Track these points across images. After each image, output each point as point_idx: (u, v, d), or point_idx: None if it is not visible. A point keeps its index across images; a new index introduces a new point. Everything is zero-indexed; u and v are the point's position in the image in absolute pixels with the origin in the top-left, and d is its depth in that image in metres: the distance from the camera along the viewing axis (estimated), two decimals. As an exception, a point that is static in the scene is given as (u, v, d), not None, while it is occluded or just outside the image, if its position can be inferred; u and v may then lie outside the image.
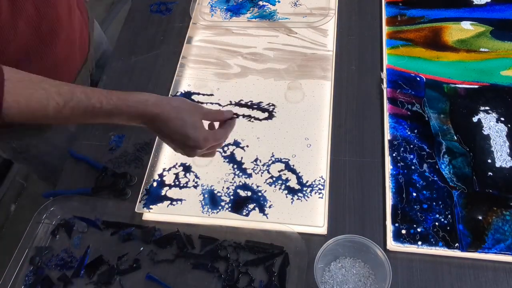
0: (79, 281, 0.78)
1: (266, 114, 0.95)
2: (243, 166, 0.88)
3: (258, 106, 0.96)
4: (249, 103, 0.97)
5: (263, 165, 0.88)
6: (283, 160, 0.88)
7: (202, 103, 0.98)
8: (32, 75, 0.65)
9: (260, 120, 0.94)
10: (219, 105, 0.98)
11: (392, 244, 0.76)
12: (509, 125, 0.87)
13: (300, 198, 0.83)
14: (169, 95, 1.00)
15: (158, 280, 0.76)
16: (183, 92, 1.01)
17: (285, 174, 0.86)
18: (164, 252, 0.79)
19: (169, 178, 0.88)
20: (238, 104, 0.97)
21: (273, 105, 0.96)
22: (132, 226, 0.83)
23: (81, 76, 1.02)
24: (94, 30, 1.10)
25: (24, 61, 0.83)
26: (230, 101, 0.98)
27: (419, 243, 0.75)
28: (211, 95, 0.99)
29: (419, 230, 0.77)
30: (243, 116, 0.95)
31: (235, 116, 0.79)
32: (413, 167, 0.83)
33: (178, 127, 0.71)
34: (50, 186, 1.14)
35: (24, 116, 0.64)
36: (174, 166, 0.90)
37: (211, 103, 0.98)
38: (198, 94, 1.00)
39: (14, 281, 0.78)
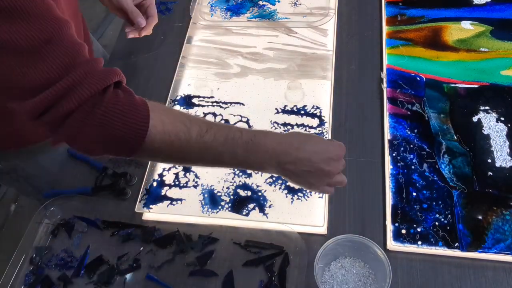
0: (79, 281, 0.78)
1: (317, 121, 0.92)
2: (243, 166, 0.88)
3: (305, 112, 0.94)
4: (295, 109, 0.95)
5: (263, 165, 0.88)
6: (283, 160, 0.88)
7: (202, 106, 0.98)
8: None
9: (315, 128, 0.92)
10: (220, 106, 0.98)
11: (392, 244, 0.76)
12: (509, 125, 0.87)
13: (300, 197, 0.83)
14: (169, 96, 1.00)
15: (158, 280, 0.76)
16: (183, 95, 1.01)
17: (285, 174, 0.86)
18: (164, 252, 0.79)
19: (169, 178, 0.88)
20: (285, 111, 0.95)
21: (317, 107, 0.95)
22: (132, 226, 0.83)
23: None
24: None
25: None
26: (277, 109, 0.95)
27: (419, 243, 0.75)
28: (212, 97, 0.99)
29: (419, 230, 0.77)
30: (297, 125, 0.92)
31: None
32: (413, 167, 0.83)
33: (313, 146, 0.66)
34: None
35: (168, 137, 0.58)
36: (174, 166, 0.90)
37: (211, 103, 0.98)
38: (199, 97, 1.00)
39: (14, 281, 0.78)
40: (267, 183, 0.85)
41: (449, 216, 0.77)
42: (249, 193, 0.84)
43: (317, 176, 0.67)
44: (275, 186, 0.85)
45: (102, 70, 0.56)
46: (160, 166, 0.90)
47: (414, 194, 0.80)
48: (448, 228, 0.76)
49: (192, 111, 0.97)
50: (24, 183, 1.02)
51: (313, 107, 0.95)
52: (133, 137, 0.56)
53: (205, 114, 0.96)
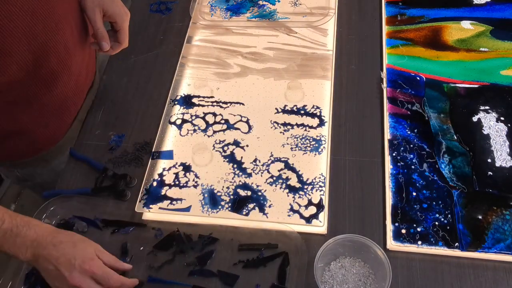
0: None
1: (317, 120, 0.93)
2: (243, 166, 0.88)
3: (305, 112, 0.94)
4: (295, 109, 0.95)
5: (263, 165, 0.88)
6: (282, 159, 0.88)
7: (203, 106, 0.98)
8: None
9: (315, 128, 0.92)
10: (220, 106, 0.98)
11: (392, 244, 0.76)
12: (509, 125, 0.87)
13: (301, 196, 0.83)
14: (169, 95, 1.00)
15: (161, 280, 0.76)
16: (183, 95, 1.01)
17: (285, 173, 0.86)
18: (164, 252, 0.79)
19: (169, 178, 0.88)
20: (285, 111, 0.95)
21: (317, 107, 0.95)
22: (132, 224, 0.82)
23: (87, 99, 1.01)
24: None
25: (22, 103, 0.82)
26: (277, 109, 0.95)
27: (419, 242, 0.75)
28: (212, 97, 0.99)
29: (419, 229, 0.77)
30: (297, 125, 0.92)
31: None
32: (413, 167, 0.83)
33: (68, 248, 0.70)
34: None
35: None
36: (174, 166, 0.90)
37: (211, 103, 0.98)
38: (199, 97, 1.00)
39: (14, 280, 0.78)
40: (267, 183, 0.85)
41: (449, 216, 0.77)
42: (249, 193, 0.84)
43: (60, 279, 0.69)
44: (275, 186, 0.85)
45: None
46: (160, 166, 0.90)
47: (414, 194, 0.80)
48: (448, 228, 0.76)
49: (192, 111, 0.97)
50: (40, 189, 1.03)
51: (313, 107, 0.95)
52: None
53: (205, 114, 0.96)
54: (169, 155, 0.91)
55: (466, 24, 1.03)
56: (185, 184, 0.87)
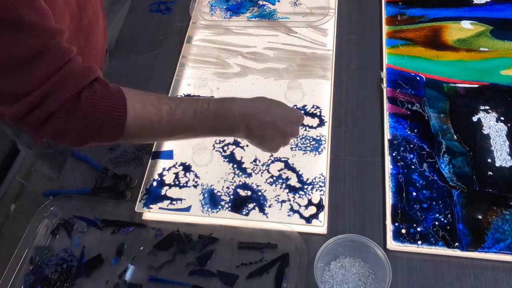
0: (79, 281, 0.78)
1: (317, 120, 0.93)
2: (243, 166, 0.88)
3: (305, 111, 0.94)
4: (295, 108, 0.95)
5: (263, 165, 0.88)
6: (282, 159, 0.88)
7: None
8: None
9: (315, 128, 0.92)
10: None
11: (392, 244, 0.76)
12: (509, 125, 0.87)
13: (301, 196, 0.83)
14: (169, 95, 1.00)
15: (161, 279, 0.76)
16: (183, 95, 1.01)
17: (285, 173, 0.86)
18: (164, 252, 0.79)
19: (169, 178, 0.88)
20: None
21: (317, 107, 0.95)
22: (132, 224, 0.82)
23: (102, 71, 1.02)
24: None
25: None
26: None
27: (419, 242, 0.75)
28: (212, 96, 0.99)
29: (419, 229, 0.77)
30: None
31: None
32: (413, 167, 0.83)
33: (277, 111, 0.72)
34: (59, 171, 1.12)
35: (140, 122, 0.63)
36: (174, 166, 0.90)
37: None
38: (199, 96, 1.00)
39: (14, 280, 0.78)
40: (267, 183, 0.85)
41: (449, 215, 0.77)
42: (249, 193, 0.84)
43: (280, 138, 0.74)
44: (275, 186, 0.85)
45: (80, 70, 0.60)
46: (160, 166, 0.90)
47: (414, 193, 0.80)
48: (448, 227, 0.76)
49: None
50: (59, 159, 1.05)
51: (313, 106, 0.95)
52: (113, 126, 0.61)
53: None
54: (169, 155, 0.91)
55: (466, 24, 1.03)
56: (185, 184, 0.87)
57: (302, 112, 0.78)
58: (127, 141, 0.66)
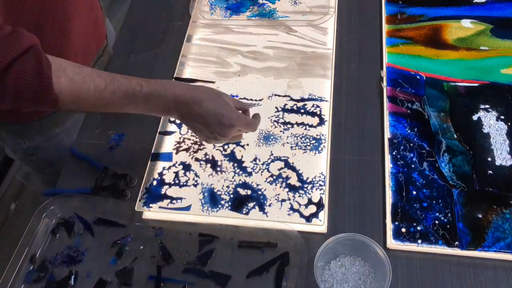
0: (83, 280, 0.78)
1: (317, 119, 0.93)
2: (243, 165, 0.88)
3: (305, 111, 0.94)
4: (295, 108, 0.95)
5: (263, 164, 0.88)
6: (282, 158, 0.88)
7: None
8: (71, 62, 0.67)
9: (315, 127, 0.92)
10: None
11: (392, 243, 0.76)
12: (509, 123, 0.87)
13: (301, 195, 0.83)
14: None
15: (161, 278, 0.76)
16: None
17: (285, 172, 0.86)
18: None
19: (169, 177, 0.88)
20: (285, 110, 0.95)
21: (317, 106, 0.95)
22: (128, 230, 0.82)
23: (97, 67, 1.02)
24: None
25: None
26: (276, 107, 0.95)
27: (419, 241, 0.75)
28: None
29: (419, 228, 0.77)
30: (297, 124, 0.92)
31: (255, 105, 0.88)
32: (413, 166, 0.83)
33: (212, 106, 0.74)
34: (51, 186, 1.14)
35: (70, 96, 0.65)
36: (174, 165, 0.90)
37: (211, 101, 0.98)
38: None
39: (14, 280, 0.78)
40: (267, 182, 0.85)
41: (449, 214, 0.77)
42: (249, 192, 0.84)
43: (209, 133, 0.77)
44: (275, 185, 0.85)
45: (6, 42, 0.61)
46: (160, 165, 0.90)
47: (414, 192, 0.80)
48: (448, 226, 0.76)
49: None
50: (44, 165, 1.07)
51: (313, 105, 0.95)
52: (41, 96, 0.64)
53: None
54: (168, 157, 0.91)
55: (466, 22, 1.03)
56: (185, 183, 0.87)
57: (248, 119, 0.80)
58: (66, 111, 0.70)
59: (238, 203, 0.83)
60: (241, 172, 0.87)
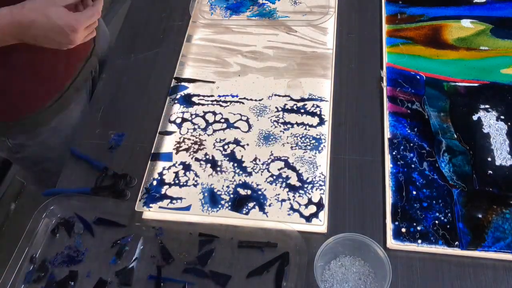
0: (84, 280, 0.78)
1: (317, 119, 0.92)
2: (243, 165, 0.88)
3: (305, 110, 0.94)
4: (295, 107, 0.95)
5: (263, 163, 0.88)
6: (282, 158, 0.88)
7: (202, 104, 0.98)
8: None
9: (315, 127, 0.92)
10: (220, 105, 0.98)
11: (392, 243, 0.76)
12: (509, 123, 0.87)
13: (301, 195, 0.83)
14: (168, 94, 1.00)
15: (162, 278, 0.76)
16: (183, 94, 1.01)
17: (285, 172, 0.86)
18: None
19: (169, 177, 0.88)
20: (285, 110, 0.95)
21: (317, 106, 0.95)
22: (128, 230, 0.82)
23: (84, 71, 1.02)
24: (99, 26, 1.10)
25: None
26: (276, 107, 0.95)
27: (419, 241, 0.75)
28: (211, 95, 0.99)
29: (419, 228, 0.77)
30: (297, 124, 0.92)
31: None
32: (413, 166, 0.83)
33: (44, 24, 0.70)
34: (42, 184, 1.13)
35: None
36: (174, 165, 0.90)
37: (211, 102, 0.98)
38: (198, 95, 1.00)
39: (14, 280, 0.78)
40: (267, 182, 0.85)
41: (449, 214, 0.77)
42: (249, 192, 0.84)
43: (60, 44, 0.74)
44: (275, 185, 0.85)
45: None
46: (160, 165, 0.90)
47: (414, 192, 0.80)
48: (448, 226, 0.76)
49: (192, 110, 0.97)
50: (30, 163, 1.07)
51: (313, 105, 0.95)
52: None
53: (205, 113, 0.96)
54: (168, 157, 0.91)
55: (466, 22, 1.03)
56: (185, 183, 0.87)
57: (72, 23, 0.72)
58: None
59: (238, 203, 0.83)
60: (241, 172, 0.87)
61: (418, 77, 0.95)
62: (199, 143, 0.92)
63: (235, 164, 0.88)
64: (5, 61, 0.85)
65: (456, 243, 0.75)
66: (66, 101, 1.00)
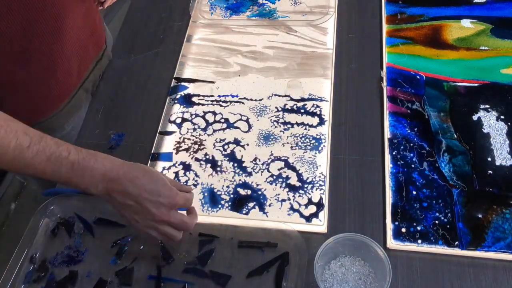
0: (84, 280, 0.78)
1: (317, 119, 0.93)
2: (243, 165, 0.88)
3: (305, 110, 0.94)
4: (295, 107, 0.95)
5: (263, 163, 0.88)
6: (282, 158, 0.88)
7: (202, 105, 0.98)
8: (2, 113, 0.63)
9: (315, 126, 0.92)
10: (220, 105, 0.98)
11: (392, 243, 0.76)
12: (509, 123, 0.87)
13: (301, 195, 0.83)
14: (168, 94, 1.00)
15: (162, 278, 0.76)
16: (183, 94, 1.01)
17: (285, 172, 0.86)
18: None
19: (169, 177, 0.88)
20: (285, 110, 0.95)
21: (317, 106, 0.95)
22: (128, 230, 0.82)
23: (94, 72, 1.03)
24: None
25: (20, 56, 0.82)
26: (276, 107, 0.95)
27: (419, 241, 0.75)
28: (211, 95, 0.99)
29: (419, 228, 0.77)
30: (297, 124, 0.92)
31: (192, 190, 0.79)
32: (413, 166, 0.83)
33: (148, 184, 0.68)
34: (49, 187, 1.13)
35: None
36: (174, 165, 0.90)
37: (211, 102, 0.98)
38: (198, 95, 1.00)
39: (14, 280, 0.78)
40: (267, 182, 0.85)
41: (449, 214, 0.77)
42: (249, 192, 0.84)
43: (143, 214, 0.68)
44: (275, 185, 0.85)
45: None
46: (160, 165, 0.90)
47: (414, 192, 0.80)
48: (448, 226, 0.76)
49: (192, 110, 0.97)
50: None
51: (313, 105, 0.95)
52: None
53: (205, 113, 0.96)
54: (168, 157, 0.91)
55: (466, 22, 1.03)
56: (185, 183, 0.87)
57: (188, 196, 0.73)
58: None
59: (238, 203, 0.83)
60: (241, 172, 0.87)
61: (418, 77, 0.95)
62: (199, 143, 0.92)
63: (235, 164, 0.88)
64: (25, 62, 0.84)
65: (456, 243, 0.75)
66: (78, 103, 1.00)
